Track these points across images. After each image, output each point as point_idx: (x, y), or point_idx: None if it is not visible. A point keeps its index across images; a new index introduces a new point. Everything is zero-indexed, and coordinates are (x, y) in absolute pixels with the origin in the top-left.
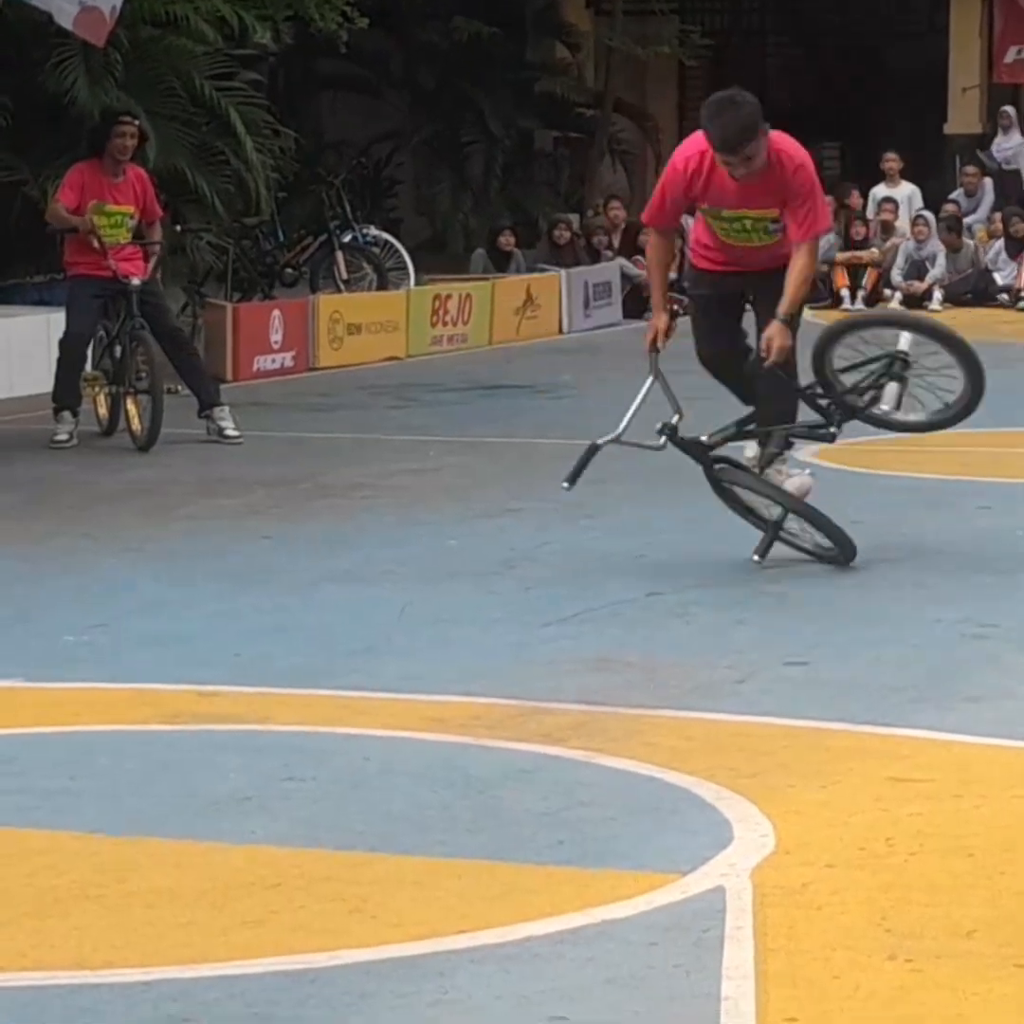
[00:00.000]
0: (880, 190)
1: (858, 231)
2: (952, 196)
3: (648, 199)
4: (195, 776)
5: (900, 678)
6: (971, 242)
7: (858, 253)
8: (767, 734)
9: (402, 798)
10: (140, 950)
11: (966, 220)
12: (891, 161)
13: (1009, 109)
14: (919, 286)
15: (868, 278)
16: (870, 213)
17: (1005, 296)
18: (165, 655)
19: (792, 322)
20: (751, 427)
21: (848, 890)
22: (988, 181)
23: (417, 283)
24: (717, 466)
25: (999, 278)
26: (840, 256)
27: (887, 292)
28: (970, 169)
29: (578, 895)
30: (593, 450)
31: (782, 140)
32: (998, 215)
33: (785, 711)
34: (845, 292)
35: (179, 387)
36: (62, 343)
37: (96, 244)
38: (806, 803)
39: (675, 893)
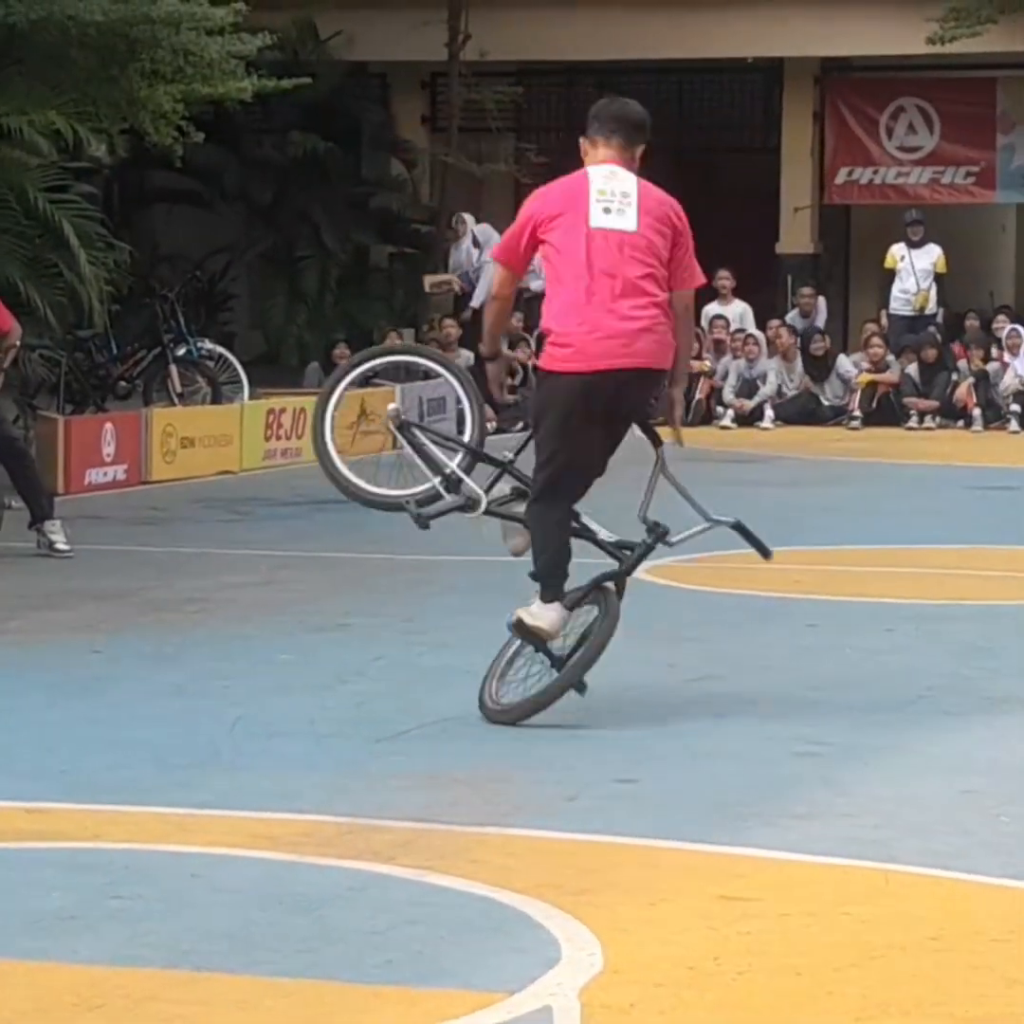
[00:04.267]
0: (713, 307)
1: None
2: (788, 317)
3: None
4: (19, 894)
5: (730, 795)
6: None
7: (690, 363)
8: (595, 851)
9: (229, 916)
10: None
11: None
12: (723, 279)
13: (466, 216)
14: (749, 404)
15: (701, 388)
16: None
17: (855, 422)
18: None
19: None
20: None
21: (676, 1009)
22: (822, 300)
23: (251, 397)
24: None
25: (823, 399)
26: None
27: (719, 410)
28: (806, 290)
29: (406, 1014)
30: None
31: None
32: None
33: (614, 828)
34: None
35: (13, 501)
36: None
37: None
38: (634, 921)
39: (503, 1013)
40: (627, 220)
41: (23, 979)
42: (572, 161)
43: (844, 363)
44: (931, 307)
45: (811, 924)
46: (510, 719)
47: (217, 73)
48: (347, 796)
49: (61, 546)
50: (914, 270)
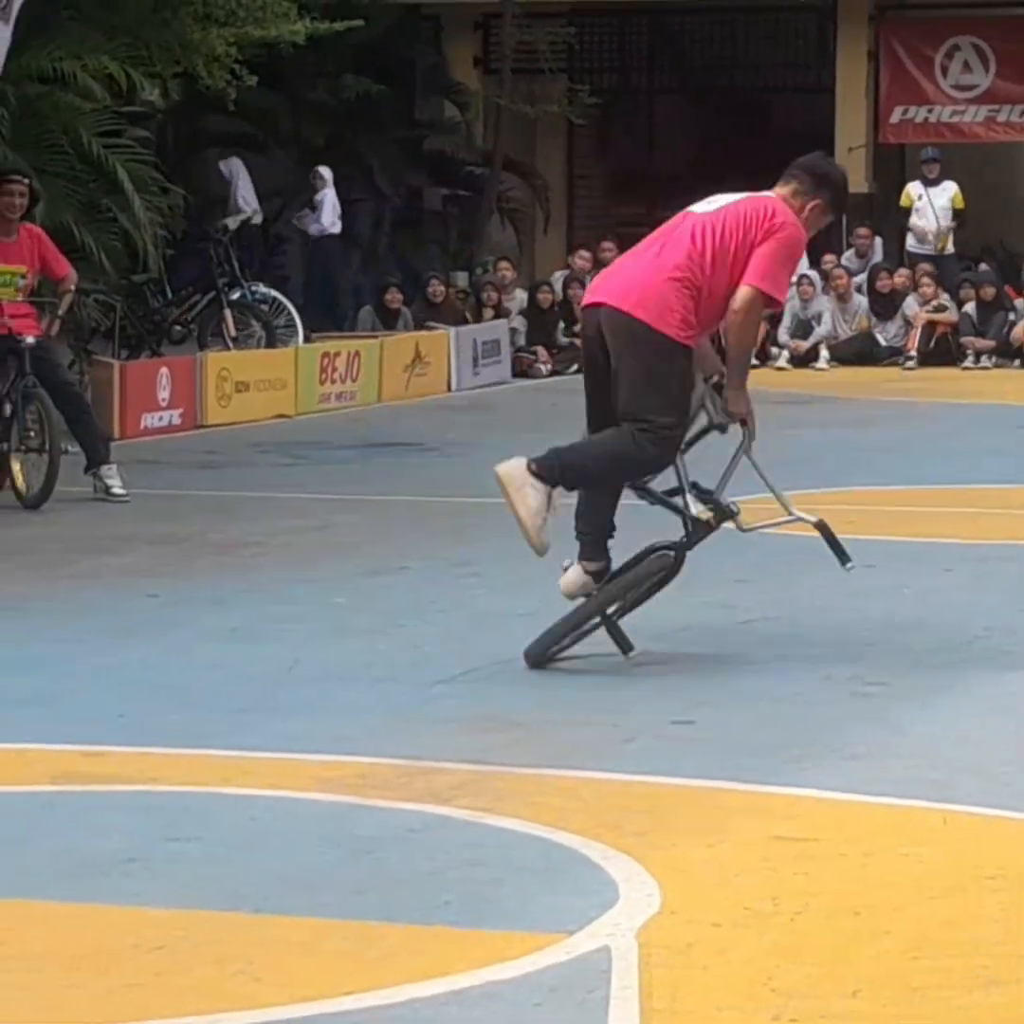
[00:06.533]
0: None
1: None
2: (844, 257)
3: (536, 256)
4: (79, 837)
5: (787, 736)
6: (863, 299)
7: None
8: (653, 793)
9: (288, 859)
10: (20, 1014)
11: (855, 279)
12: None
13: (322, 170)
14: (804, 345)
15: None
16: None
17: (911, 362)
18: (49, 714)
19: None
20: None
21: (733, 950)
22: (879, 240)
23: (305, 340)
24: None
25: (881, 338)
26: None
27: (774, 350)
28: (862, 230)
29: (464, 956)
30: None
31: None
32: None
33: (671, 770)
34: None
35: (70, 446)
36: None
37: None
38: (692, 862)
39: (561, 953)
40: None
41: (83, 921)
42: (624, 101)
43: (910, 303)
44: (951, 246)
45: (869, 864)
46: None
47: (270, 16)
48: (404, 739)
49: (117, 490)
50: (933, 208)
